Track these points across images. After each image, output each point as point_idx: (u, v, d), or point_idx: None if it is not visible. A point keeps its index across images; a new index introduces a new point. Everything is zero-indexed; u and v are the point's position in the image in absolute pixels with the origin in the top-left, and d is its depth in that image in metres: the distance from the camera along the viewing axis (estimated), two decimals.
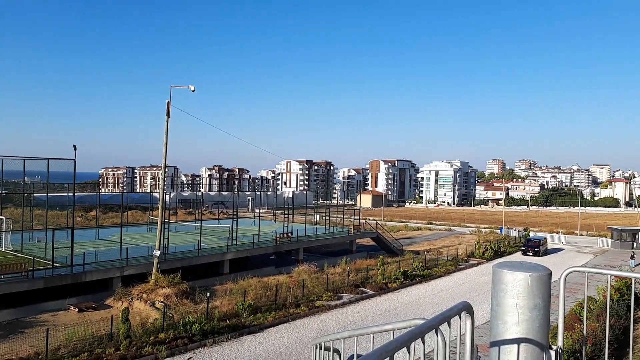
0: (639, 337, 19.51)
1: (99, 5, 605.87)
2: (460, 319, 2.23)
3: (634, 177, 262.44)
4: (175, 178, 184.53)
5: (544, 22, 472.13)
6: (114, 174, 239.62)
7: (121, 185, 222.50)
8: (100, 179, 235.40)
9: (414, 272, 36.62)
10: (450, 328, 2.17)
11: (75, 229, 28.78)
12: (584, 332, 3.82)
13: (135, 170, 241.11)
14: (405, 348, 1.75)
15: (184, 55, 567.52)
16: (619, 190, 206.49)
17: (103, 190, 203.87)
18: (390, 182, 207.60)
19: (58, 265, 25.98)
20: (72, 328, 20.40)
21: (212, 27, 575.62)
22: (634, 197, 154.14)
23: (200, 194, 72.64)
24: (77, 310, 24.11)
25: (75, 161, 26.78)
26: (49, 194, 35.34)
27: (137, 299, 25.25)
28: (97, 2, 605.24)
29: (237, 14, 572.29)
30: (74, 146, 27.54)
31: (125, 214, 48.39)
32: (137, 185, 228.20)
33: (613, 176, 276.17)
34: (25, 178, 38.00)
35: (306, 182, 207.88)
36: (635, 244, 58.46)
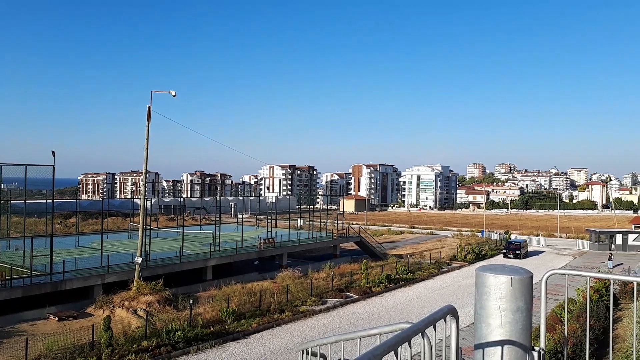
0: (618, 336, 19.89)
1: (77, 7, 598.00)
2: (445, 322, 2.27)
3: (610, 180, 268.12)
4: (157, 184, 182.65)
5: (521, 27, 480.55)
6: (93, 180, 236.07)
7: (101, 191, 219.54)
8: (80, 185, 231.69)
9: (397, 276, 36.81)
10: (435, 331, 2.21)
11: (54, 237, 28.28)
12: (565, 332, 3.91)
13: (116, 176, 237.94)
14: (392, 352, 1.79)
15: (165, 59, 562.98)
16: (596, 193, 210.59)
17: (83, 196, 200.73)
18: (372, 186, 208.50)
19: (37, 273, 25.48)
20: (52, 337, 20.01)
21: (192, 31, 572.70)
22: (611, 200, 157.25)
23: (182, 199, 72.05)
24: (57, 319, 23.67)
25: (54, 167, 26.37)
26: (26, 201, 34.65)
27: (119, 307, 24.90)
28: (75, 4, 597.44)
29: (217, 17, 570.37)
30: (53, 152, 27.12)
31: (106, 221, 47.74)
32: (118, 192, 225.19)
33: (590, 179, 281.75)
34: (2, 185, 37.23)
35: (289, 187, 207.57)
36: (612, 245, 59.68)
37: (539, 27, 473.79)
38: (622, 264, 47.09)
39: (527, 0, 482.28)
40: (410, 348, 2.02)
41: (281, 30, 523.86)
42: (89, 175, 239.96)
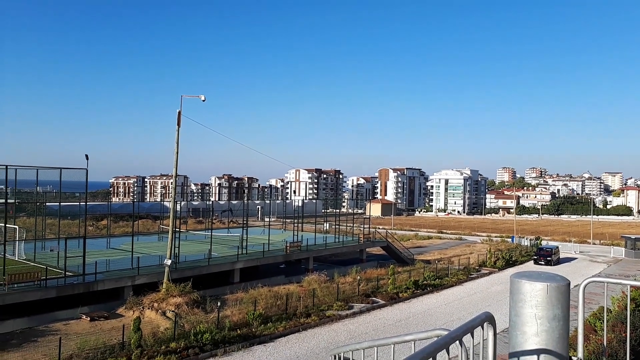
0: None
1: (112, 16, 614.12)
2: (482, 329, 2.23)
3: None
4: (185, 187, 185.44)
5: (554, 29, 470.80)
6: (124, 183, 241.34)
7: (132, 194, 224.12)
8: (111, 188, 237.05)
9: (425, 282, 36.38)
10: (473, 339, 2.17)
11: (87, 238, 29.00)
12: (605, 342, 3.81)
13: (146, 180, 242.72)
14: (431, 359, 1.76)
15: (195, 64, 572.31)
16: (631, 198, 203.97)
17: (114, 199, 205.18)
18: (399, 190, 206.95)
19: (70, 274, 26.17)
20: (84, 337, 20.50)
21: (223, 37, 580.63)
22: None
23: (210, 202, 72.90)
24: (89, 319, 24.24)
25: (87, 170, 27.07)
26: (61, 203, 35.68)
27: (149, 308, 25.33)
28: (110, 13, 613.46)
29: (249, 24, 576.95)
30: (86, 156, 27.86)
31: (136, 223, 48.70)
32: (148, 195, 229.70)
33: (625, 184, 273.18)
34: (38, 187, 38.42)
35: (315, 191, 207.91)
36: None
37: (573, 29, 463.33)
38: None
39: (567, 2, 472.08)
40: (449, 355, 1.99)
41: (310, 34, 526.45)
42: (120, 179, 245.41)
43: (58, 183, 30.76)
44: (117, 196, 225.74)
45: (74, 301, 25.47)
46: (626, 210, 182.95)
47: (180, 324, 22.40)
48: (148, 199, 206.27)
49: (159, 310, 25.07)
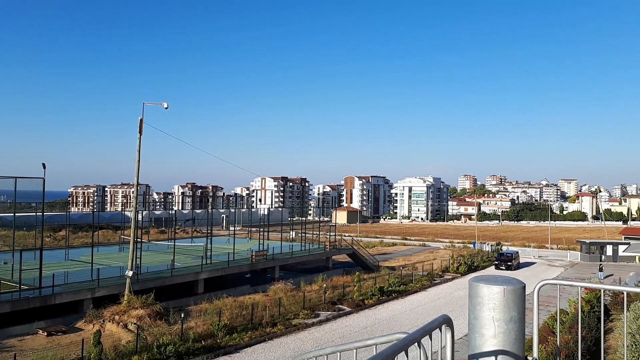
0: (610, 347, 19.94)
1: (69, 20, 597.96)
2: (440, 331, 2.30)
3: (600, 191, 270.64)
4: (147, 196, 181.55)
5: (513, 38, 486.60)
6: (84, 193, 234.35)
7: (91, 204, 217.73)
8: (70, 198, 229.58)
9: (390, 288, 36.74)
10: (431, 341, 2.23)
11: (43, 250, 28.00)
12: (558, 343, 3.94)
13: (106, 189, 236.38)
14: None
15: (156, 71, 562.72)
16: (586, 204, 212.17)
17: (73, 209, 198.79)
18: (364, 198, 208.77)
19: (26, 287, 25.17)
20: (40, 353, 19.74)
21: (184, 43, 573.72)
22: (601, 211, 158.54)
23: (173, 212, 71.64)
24: (46, 334, 23.34)
25: (44, 180, 26.18)
26: (16, 214, 34.33)
27: (109, 321, 24.62)
28: (67, 17, 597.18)
29: (207, 29, 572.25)
30: (43, 164, 26.99)
31: (96, 234, 47.38)
32: (108, 204, 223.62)
33: (580, 191, 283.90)
34: None
35: (281, 199, 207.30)
36: (603, 256, 60.04)
37: (530, 36, 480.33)
38: (612, 275, 47.36)
39: (521, 6, 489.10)
40: (407, 357, 2.04)
41: (271, 41, 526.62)
42: (79, 188, 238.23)
43: (13, 193, 29.61)
44: (76, 206, 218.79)
45: (30, 316, 24.50)
46: (581, 216, 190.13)
47: (142, 337, 21.85)
48: (109, 209, 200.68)
49: (121, 323, 24.40)
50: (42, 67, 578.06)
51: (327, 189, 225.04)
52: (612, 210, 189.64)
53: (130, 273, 27.33)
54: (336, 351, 3.67)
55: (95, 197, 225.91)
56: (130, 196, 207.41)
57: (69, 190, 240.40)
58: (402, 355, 1.94)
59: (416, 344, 2.08)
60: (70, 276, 28.92)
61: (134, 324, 23.91)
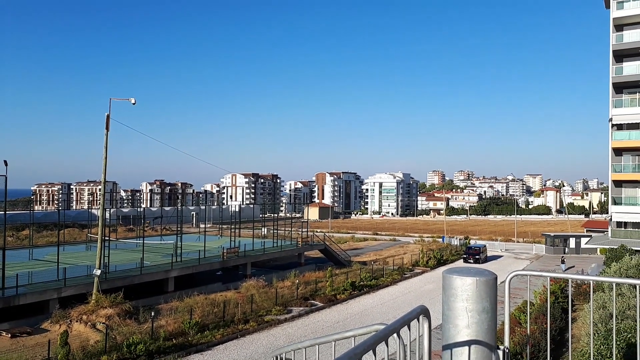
0: (574, 336, 20.63)
1: (31, 9, 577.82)
2: (418, 322, 2.35)
3: (563, 186, 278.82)
4: (115, 194, 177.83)
5: (477, 33, 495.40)
6: (48, 191, 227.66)
7: (56, 202, 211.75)
8: (33, 196, 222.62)
9: (361, 283, 37.05)
10: (410, 331, 2.28)
11: (6, 249, 27.10)
12: (528, 331, 4.08)
13: (72, 186, 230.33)
14: (371, 351, 1.84)
15: (124, 66, 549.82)
16: (550, 199, 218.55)
17: (37, 207, 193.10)
18: (336, 194, 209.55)
19: None
20: (4, 355, 19.15)
21: (152, 37, 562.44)
22: (564, 205, 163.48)
23: (141, 209, 70.36)
24: (9, 336, 22.62)
25: (6, 177, 25.32)
26: None
27: (77, 321, 24.06)
28: (30, 10, 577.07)
29: (178, 23, 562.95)
30: (5, 162, 26.05)
31: (62, 232, 46.15)
32: (74, 202, 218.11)
33: (545, 185, 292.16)
34: None
35: (252, 196, 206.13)
36: (566, 249, 61.96)
37: (499, 32, 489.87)
38: (574, 266, 48.92)
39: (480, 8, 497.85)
40: (388, 347, 2.09)
41: (243, 35, 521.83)
42: (44, 186, 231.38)
43: None
44: (40, 204, 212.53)
45: None
46: (546, 210, 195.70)
47: (111, 336, 21.44)
48: (74, 207, 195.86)
49: (89, 323, 23.87)
50: (1, 58, 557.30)
51: (299, 185, 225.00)
52: (575, 204, 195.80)
53: (98, 272, 26.75)
54: (315, 344, 3.70)
55: (61, 195, 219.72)
56: (97, 194, 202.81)
57: (32, 188, 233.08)
58: (381, 345, 1.98)
59: (395, 334, 2.12)
60: (35, 276, 28.13)
61: (103, 323, 23.44)
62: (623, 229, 45.59)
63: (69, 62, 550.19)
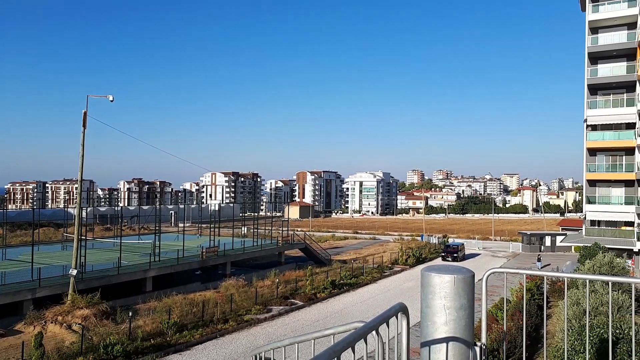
0: (549, 332, 21.05)
1: (7, 7, 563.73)
2: (397, 319, 2.37)
3: (540, 185, 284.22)
4: (91, 192, 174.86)
5: (453, 35, 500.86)
6: (22, 189, 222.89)
7: (31, 200, 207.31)
8: (7, 195, 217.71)
9: (341, 281, 37.16)
10: (389, 328, 2.30)
11: None
12: (505, 328, 4.13)
13: (47, 185, 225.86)
14: (350, 349, 1.85)
15: (101, 62, 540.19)
16: (527, 198, 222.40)
17: (10, 206, 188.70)
18: (317, 193, 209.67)
19: None
20: None
21: (131, 34, 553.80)
22: (540, 204, 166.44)
23: (118, 208, 69.37)
24: None
25: None
26: None
27: (52, 322, 23.60)
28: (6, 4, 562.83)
29: (156, 19, 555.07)
30: None
31: (37, 232, 45.18)
32: (49, 201, 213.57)
33: (522, 184, 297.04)
34: None
35: (232, 195, 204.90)
36: (542, 247, 63.14)
37: (473, 37, 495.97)
38: (549, 264, 49.87)
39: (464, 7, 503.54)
40: (367, 344, 2.10)
41: (223, 31, 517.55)
42: (17, 184, 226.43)
43: None
44: (14, 203, 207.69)
45: None
46: (522, 209, 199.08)
47: (88, 337, 21.10)
48: (50, 206, 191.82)
49: (64, 324, 23.44)
50: None
51: (280, 184, 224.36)
52: (551, 203, 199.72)
53: (74, 272, 26.29)
54: (294, 342, 3.70)
55: (35, 194, 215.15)
56: (73, 192, 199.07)
57: (5, 186, 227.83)
58: (360, 343, 1.99)
59: (374, 331, 2.14)
60: (7, 276, 27.48)
61: (79, 324, 23.05)
62: (597, 227, 46.61)
63: (45, 56, 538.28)
